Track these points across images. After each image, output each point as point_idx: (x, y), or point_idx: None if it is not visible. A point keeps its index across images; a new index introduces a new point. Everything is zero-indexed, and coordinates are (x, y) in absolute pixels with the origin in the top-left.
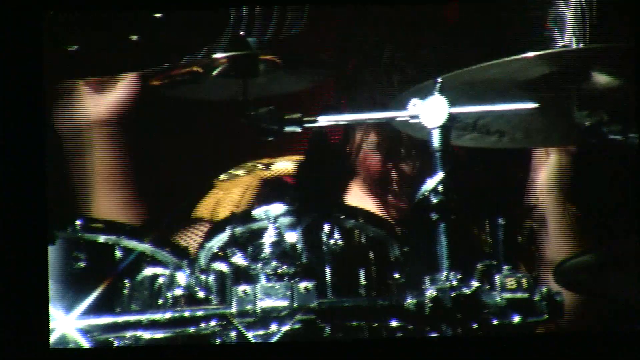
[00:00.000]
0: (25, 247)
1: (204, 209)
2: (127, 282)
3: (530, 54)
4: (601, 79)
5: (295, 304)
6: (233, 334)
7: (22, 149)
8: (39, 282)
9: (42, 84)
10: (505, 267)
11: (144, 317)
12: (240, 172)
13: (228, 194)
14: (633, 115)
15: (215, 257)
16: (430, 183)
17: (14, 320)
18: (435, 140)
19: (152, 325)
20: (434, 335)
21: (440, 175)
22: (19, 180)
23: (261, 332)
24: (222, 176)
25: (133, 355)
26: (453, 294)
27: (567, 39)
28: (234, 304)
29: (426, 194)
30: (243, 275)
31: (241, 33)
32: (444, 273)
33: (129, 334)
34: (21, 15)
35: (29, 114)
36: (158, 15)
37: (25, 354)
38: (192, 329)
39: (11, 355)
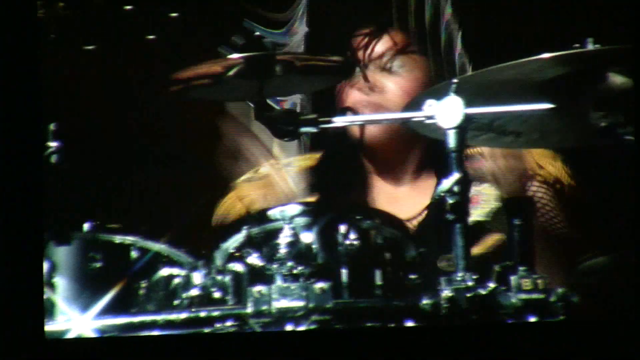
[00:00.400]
0: (21, 240)
1: (223, 210)
2: (143, 283)
3: (546, 55)
4: (617, 80)
5: (311, 305)
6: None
7: (20, 146)
8: (33, 273)
9: (41, 82)
10: (521, 268)
11: (159, 318)
12: (261, 172)
13: (249, 194)
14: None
15: (231, 258)
16: (446, 184)
17: (8, 310)
18: (451, 141)
19: (168, 325)
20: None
21: (456, 176)
22: (15, 174)
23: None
24: (242, 177)
25: (129, 345)
26: (469, 295)
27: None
28: (249, 304)
29: (442, 194)
30: (259, 275)
31: (257, 34)
32: (460, 274)
33: (144, 334)
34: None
35: (28, 114)
36: (174, 14)
37: (21, 344)
38: (207, 330)
39: (7, 346)
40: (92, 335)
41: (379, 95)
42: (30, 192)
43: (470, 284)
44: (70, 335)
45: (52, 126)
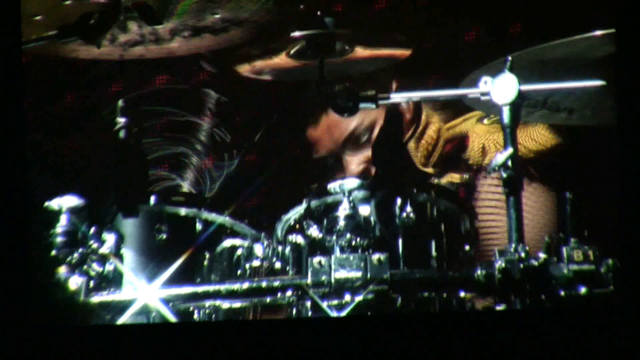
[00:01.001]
0: (3, 218)
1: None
2: (207, 254)
3: (598, 33)
4: None
5: (369, 275)
6: (308, 303)
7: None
8: (18, 255)
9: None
10: (572, 240)
11: (222, 287)
12: None
13: None
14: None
15: (291, 230)
16: (500, 158)
17: None
18: (505, 117)
19: (231, 295)
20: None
21: (509, 151)
22: None
23: (335, 302)
24: None
25: (124, 335)
26: (522, 266)
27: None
28: (309, 274)
29: (496, 168)
30: (318, 247)
31: (318, 12)
32: (513, 245)
33: (208, 303)
34: None
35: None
36: None
37: (6, 330)
38: (268, 299)
39: None
40: (159, 304)
41: None
42: (11, 178)
43: (522, 255)
44: (136, 304)
45: (120, 102)
